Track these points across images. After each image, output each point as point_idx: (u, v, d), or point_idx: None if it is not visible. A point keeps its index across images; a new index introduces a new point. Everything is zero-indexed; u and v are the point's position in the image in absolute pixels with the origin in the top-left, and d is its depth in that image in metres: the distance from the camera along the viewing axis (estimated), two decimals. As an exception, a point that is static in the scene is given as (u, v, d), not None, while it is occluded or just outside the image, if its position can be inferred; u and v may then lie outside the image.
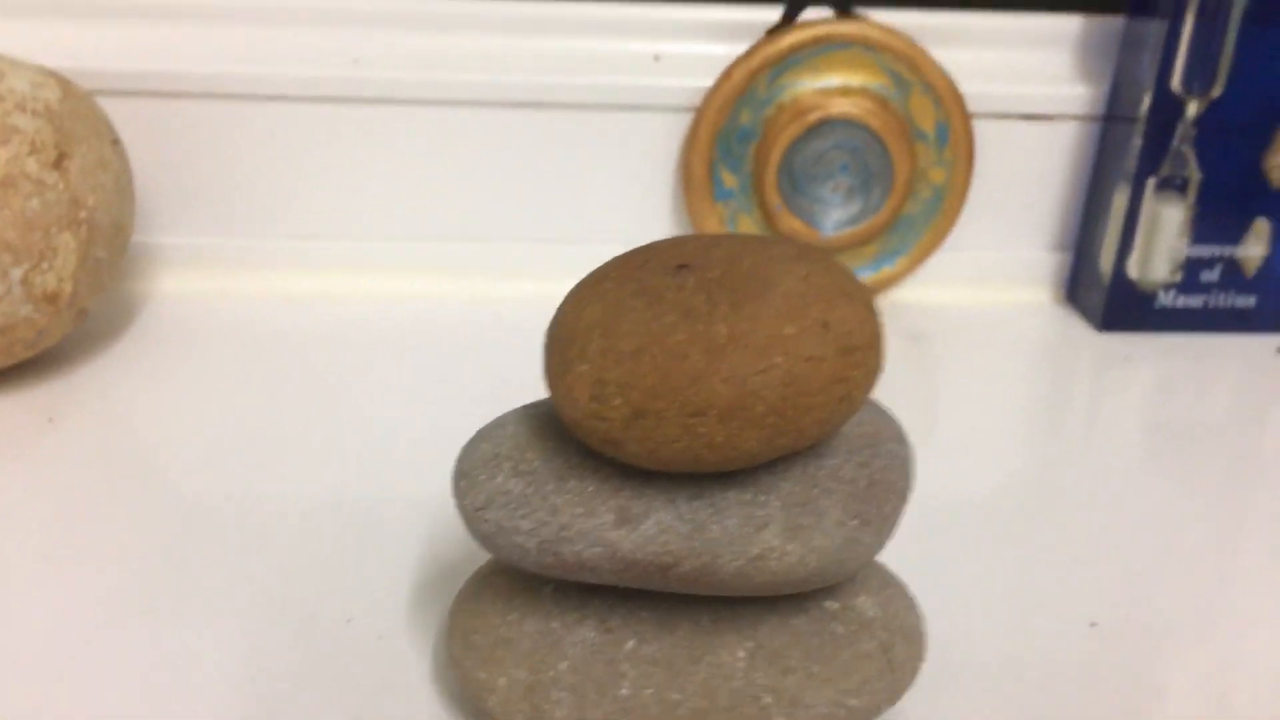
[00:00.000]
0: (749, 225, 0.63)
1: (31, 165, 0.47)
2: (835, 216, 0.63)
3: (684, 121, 0.62)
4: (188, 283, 0.62)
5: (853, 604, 0.33)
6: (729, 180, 0.62)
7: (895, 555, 0.41)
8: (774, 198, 0.62)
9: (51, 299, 0.49)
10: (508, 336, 0.59)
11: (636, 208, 0.64)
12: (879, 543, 0.31)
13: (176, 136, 0.61)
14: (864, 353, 0.29)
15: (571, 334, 0.29)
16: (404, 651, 0.37)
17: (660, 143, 0.62)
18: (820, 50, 0.60)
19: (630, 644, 0.31)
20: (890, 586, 0.34)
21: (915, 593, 0.39)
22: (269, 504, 0.44)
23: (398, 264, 0.64)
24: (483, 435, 0.33)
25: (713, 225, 0.63)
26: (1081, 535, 0.45)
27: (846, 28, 0.59)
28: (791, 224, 0.62)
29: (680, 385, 0.28)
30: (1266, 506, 0.47)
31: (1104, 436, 0.52)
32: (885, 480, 0.31)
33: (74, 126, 0.49)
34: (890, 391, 0.55)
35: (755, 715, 0.31)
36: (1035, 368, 0.59)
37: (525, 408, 0.34)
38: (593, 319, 0.29)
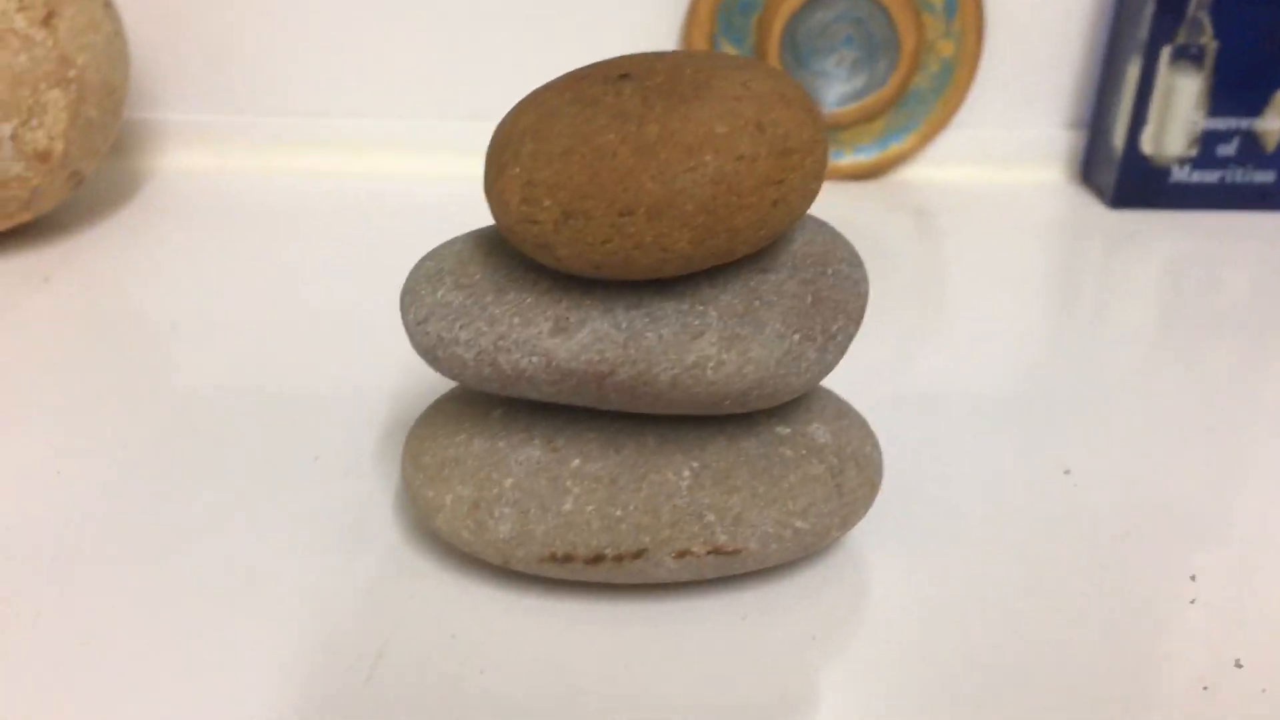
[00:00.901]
0: (752, 100, 0.62)
1: (19, 21, 0.47)
2: (840, 90, 0.61)
3: (686, -7, 0.61)
4: (189, 158, 0.63)
5: (805, 429, 0.33)
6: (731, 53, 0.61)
7: (887, 415, 0.41)
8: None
9: (43, 157, 0.49)
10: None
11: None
12: (824, 360, 0.30)
13: (179, 12, 0.60)
14: (800, 155, 0.28)
15: (505, 140, 0.29)
16: (369, 484, 0.37)
17: (661, 16, 0.61)
18: (823, -85, 0.58)
19: (575, 462, 0.31)
20: (846, 416, 0.34)
21: (904, 446, 0.39)
22: (256, 363, 0.45)
23: (400, 142, 0.63)
24: (430, 254, 0.32)
25: (715, 99, 0.62)
26: (1079, 407, 0.44)
27: (850, -109, 0.58)
28: (795, 98, 0.61)
29: (609, 184, 0.27)
30: (1273, 386, 0.46)
31: (1111, 314, 0.51)
32: (832, 298, 0.31)
33: (64, -13, 0.49)
34: (896, 269, 0.54)
35: (698, 532, 0.31)
36: (1041, 245, 0.58)
37: (477, 230, 0.33)
38: (526, 125, 0.29)
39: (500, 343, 0.29)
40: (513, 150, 0.29)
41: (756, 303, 0.30)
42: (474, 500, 0.31)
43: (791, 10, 0.59)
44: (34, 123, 0.48)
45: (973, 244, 0.58)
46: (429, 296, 0.31)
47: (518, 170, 0.28)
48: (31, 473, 0.37)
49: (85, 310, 0.48)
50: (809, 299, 0.30)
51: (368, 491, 0.37)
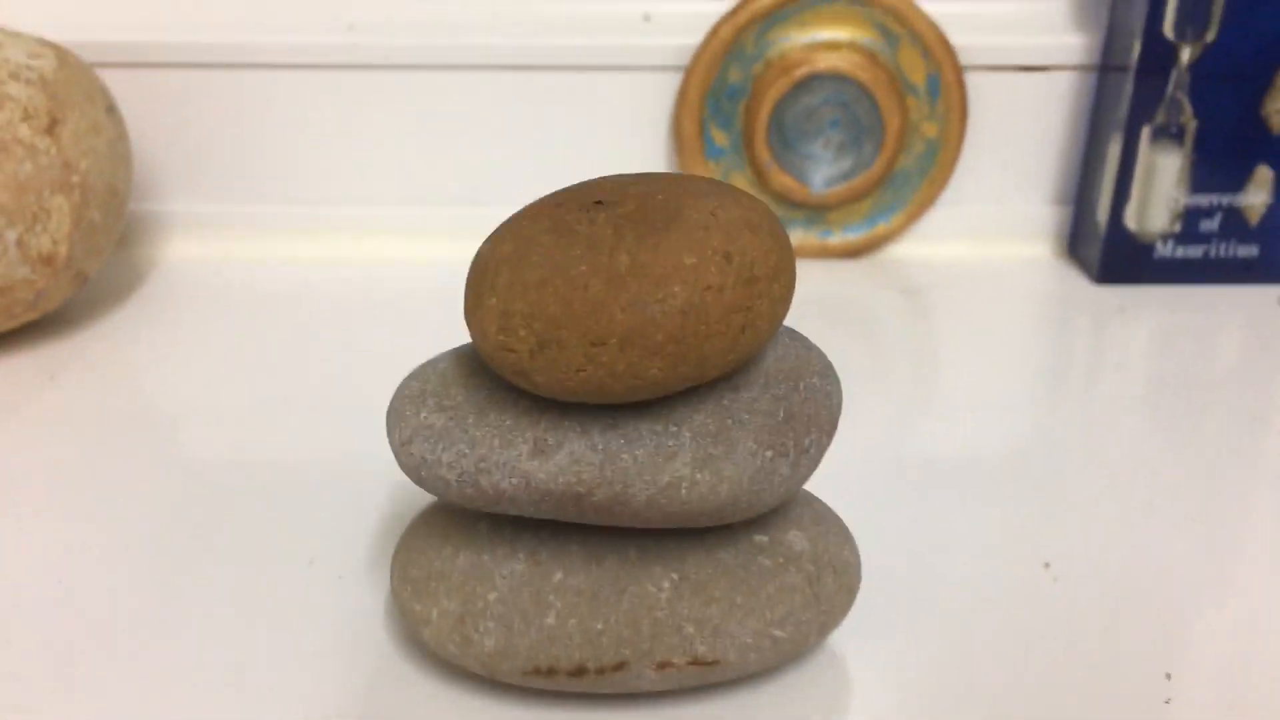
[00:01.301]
0: (741, 183, 0.63)
1: (24, 131, 0.49)
2: (827, 172, 0.63)
3: (674, 81, 0.62)
4: (190, 249, 0.64)
5: (782, 538, 0.34)
6: (720, 138, 0.63)
7: (870, 501, 0.42)
8: (765, 154, 0.62)
9: (47, 260, 0.50)
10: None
11: (629, 168, 0.64)
12: (797, 474, 0.31)
13: (177, 106, 0.62)
14: (767, 283, 0.29)
15: (484, 269, 0.30)
16: (361, 591, 0.38)
17: (651, 102, 0.63)
18: (807, 5, 0.60)
19: (558, 576, 0.32)
20: (825, 522, 0.35)
21: (885, 539, 0.40)
22: (258, 455, 0.46)
23: (395, 228, 0.65)
24: (414, 374, 0.33)
25: (705, 183, 0.63)
26: (1067, 487, 0.44)
27: (832, -19, 0.59)
28: (783, 181, 0.62)
29: (581, 314, 0.28)
30: (1266, 461, 0.46)
31: (1099, 390, 0.52)
32: (804, 413, 0.31)
33: (68, 94, 0.51)
34: (886, 347, 0.55)
35: (678, 644, 0.32)
36: (1029, 321, 0.59)
37: (459, 348, 0.34)
38: (504, 254, 0.30)
39: (481, 464, 0.30)
40: (490, 280, 0.30)
41: (729, 421, 0.30)
42: (459, 615, 0.32)
43: (778, 96, 0.60)
44: (38, 228, 0.49)
45: (961, 320, 0.59)
46: (413, 418, 0.32)
47: (494, 300, 0.29)
48: (32, 571, 0.38)
49: (90, 406, 0.49)
50: (781, 415, 0.31)
51: (361, 597, 0.38)
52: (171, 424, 0.48)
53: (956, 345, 0.56)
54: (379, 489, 0.43)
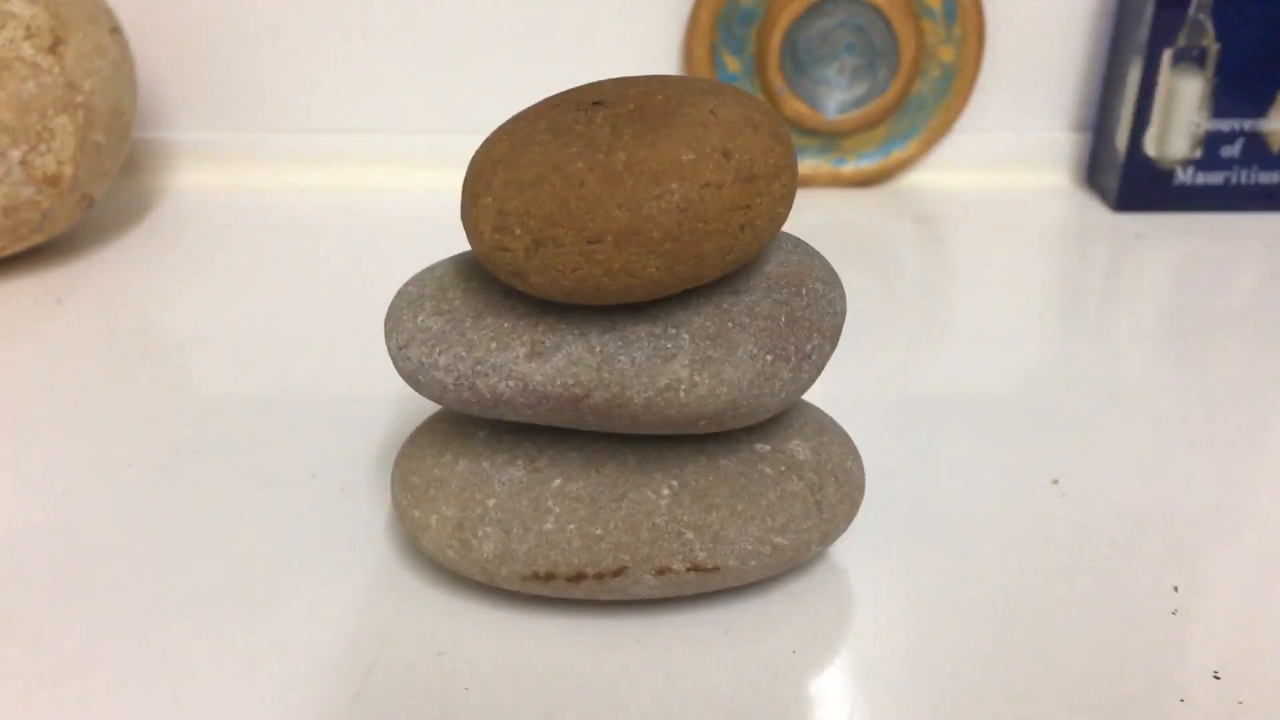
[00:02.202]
0: (753, 109, 0.62)
1: (27, 49, 0.48)
2: (841, 98, 0.62)
3: (685, 5, 0.61)
4: (197, 176, 0.64)
5: (784, 447, 0.33)
6: (732, 64, 0.62)
7: (880, 424, 0.42)
8: (777, 80, 0.61)
9: (52, 181, 0.50)
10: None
11: (640, 94, 0.63)
12: (799, 380, 0.31)
13: (184, 32, 0.62)
14: (766, 181, 0.29)
15: (479, 169, 0.30)
16: (363, 503, 0.38)
17: (662, 27, 0.62)
18: (820, -75, 0.59)
19: (556, 482, 0.32)
20: (828, 432, 0.35)
21: (892, 459, 0.40)
22: (263, 378, 0.45)
23: (402, 155, 0.64)
24: (412, 279, 0.33)
25: (716, 109, 0.62)
26: (1080, 413, 0.44)
27: (847, -100, 0.58)
28: (796, 107, 0.61)
29: (577, 212, 0.28)
30: (1273, 392, 0.46)
31: (1115, 319, 0.51)
32: (806, 318, 0.31)
33: (70, 13, 0.51)
34: (900, 277, 0.55)
35: (677, 550, 0.31)
36: (1046, 249, 0.58)
37: (458, 254, 0.34)
38: (500, 154, 0.29)
39: (478, 367, 0.30)
40: (485, 179, 0.29)
41: (729, 324, 0.30)
42: (458, 520, 0.32)
43: (791, 19, 0.59)
44: (42, 148, 0.49)
45: (977, 249, 0.58)
46: (409, 322, 0.31)
47: (489, 199, 0.29)
48: (37, 491, 0.38)
49: (95, 330, 0.49)
50: (782, 319, 0.31)
51: (362, 509, 0.38)
52: (177, 348, 0.48)
53: (971, 274, 0.55)
54: (383, 411, 0.43)
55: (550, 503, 0.32)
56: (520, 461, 0.32)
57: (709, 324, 0.30)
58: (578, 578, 0.32)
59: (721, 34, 0.61)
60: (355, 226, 0.59)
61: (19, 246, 0.52)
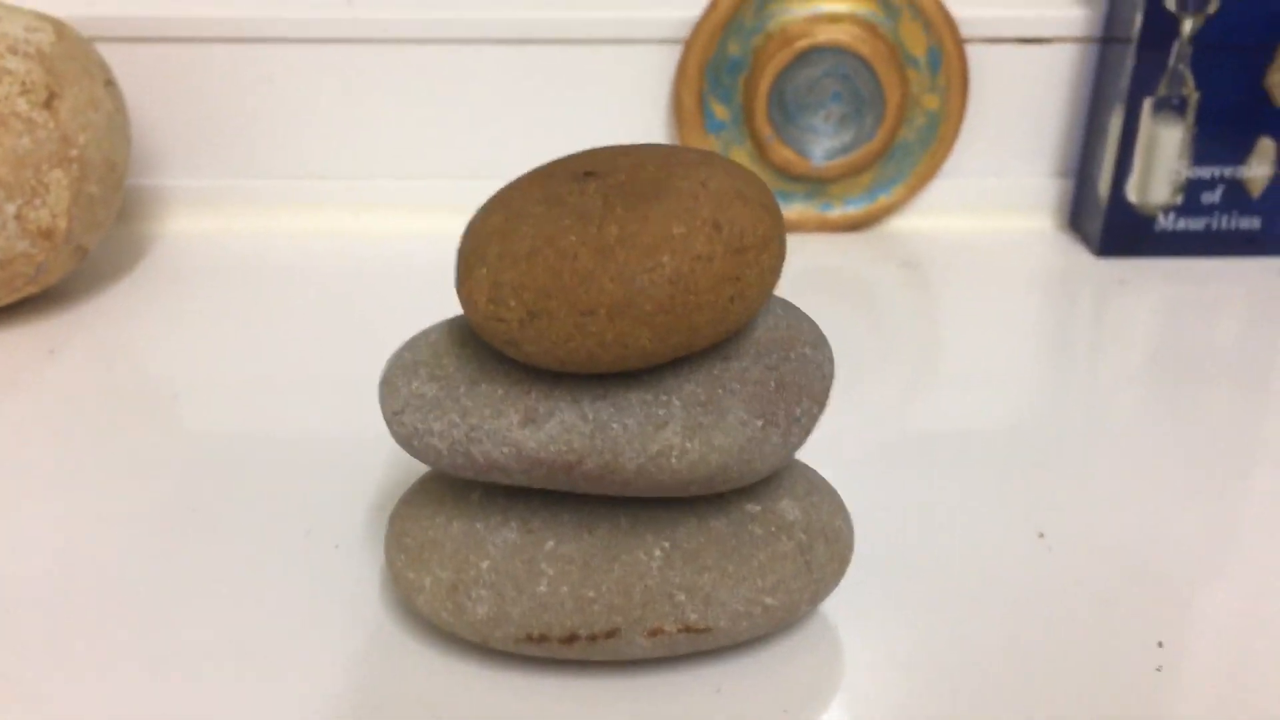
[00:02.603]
0: (741, 157, 0.63)
1: (22, 105, 0.49)
2: (828, 145, 0.62)
3: (674, 54, 0.62)
4: (191, 223, 0.64)
5: (774, 507, 0.34)
6: (720, 112, 0.62)
7: (867, 472, 0.42)
8: (765, 128, 0.62)
9: (47, 234, 0.51)
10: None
11: (628, 142, 0.64)
12: (788, 444, 0.31)
13: (178, 81, 0.62)
14: (756, 253, 0.29)
15: (475, 241, 0.30)
16: (357, 560, 0.38)
17: (651, 76, 0.62)
18: (806, -24, 0.59)
19: (550, 544, 0.32)
20: (817, 492, 0.35)
21: (880, 510, 0.40)
22: (257, 428, 0.46)
23: (394, 202, 0.65)
24: (407, 344, 0.34)
25: (704, 157, 0.63)
26: (1065, 460, 0.44)
27: (832, -47, 0.59)
28: (784, 154, 0.62)
29: (571, 285, 0.28)
30: (1266, 435, 0.46)
31: (1099, 364, 0.52)
32: (795, 382, 0.32)
33: (66, 68, 0.51)
34: (886, 320, 0.55)
35: (669, 611, 0.32)
36: (1030, 294, 0.59)
37: (451, 319, 0.34)
38: (494, 225, 0.30)
39: (472, 434, 0.30)
40: (480, 252, 0.30)
41: (720, 391, 0.31)
42: (452, 583, 0.32)
43: (778, 68, 0.60)
44: (37, 202, 0.50)
45: (962, 293, 0.59)
46: (404, 388, 0.32)
47: (484, 271, 0.29)
48: (30, 546, 0.38)
49: (90, 380, 0.49)
50: (772, 384, 0.31)
51: (356, 566, 0.38)
52: (171, 398, 0.48)
53: (957, 318, 0.56)
54: (376, 461, 0.43)
55: (544, 565, 0.32)
56: (514, 523, 0.33)
57: (700, 390, 0.31)
58: (571, 639, 0.32)
59: (710, 83, 0.62)
60: (348, 271, 0.60)
61: (13, 298, 0.52)
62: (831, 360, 0.33)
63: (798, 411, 0.31)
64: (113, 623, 0.35)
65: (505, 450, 0.30)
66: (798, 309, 0.34)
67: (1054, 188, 0.65)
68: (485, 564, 0.32)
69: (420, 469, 0.43)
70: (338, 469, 0.43)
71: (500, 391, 0.31)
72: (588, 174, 0.31)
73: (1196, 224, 0.61)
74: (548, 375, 0.31)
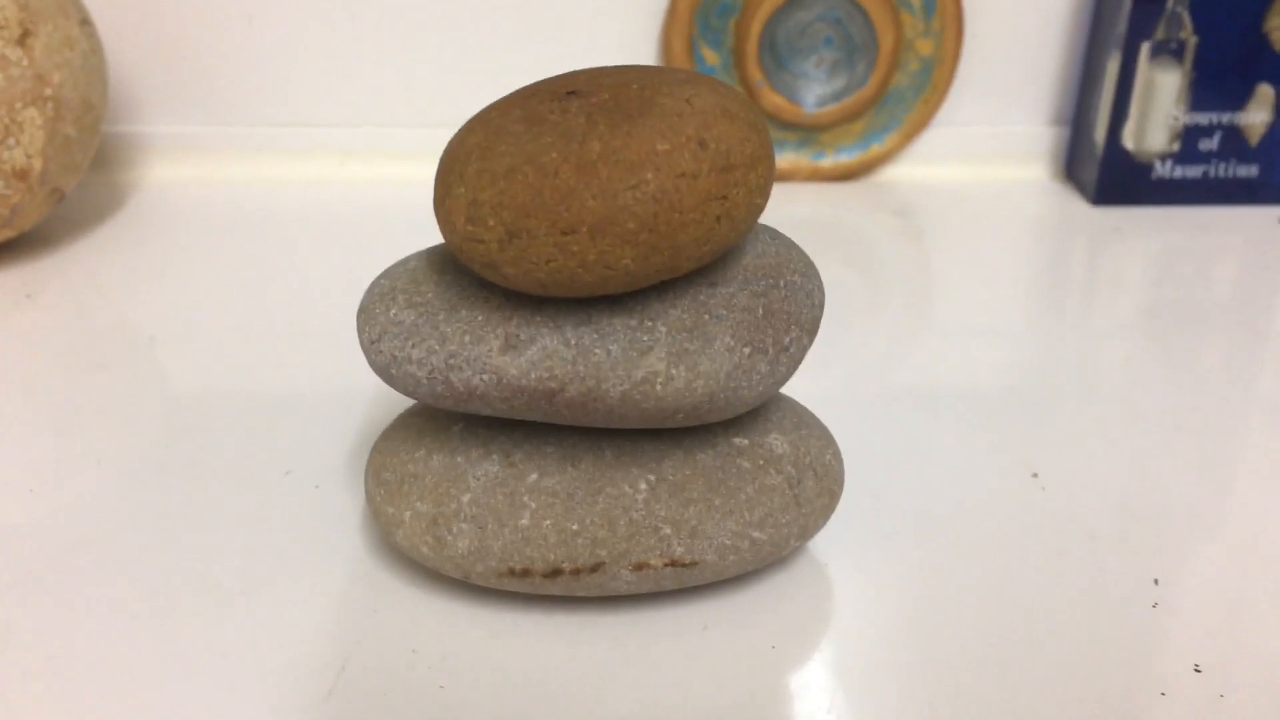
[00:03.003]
0: (732, 102, 0.62)
1: (-6, 42, 0.48)
2: (820, 92, 0.61)
3: (664, -3, 0.61)
4: (171, 170, 0.63)
5: (762, 440, 0.33)
6: (710, 57, 0.61)
7: (860, 417, 0.41)
8: (756, 73, 0.60)
9: (21, 175, 0.49)
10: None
11: (618, 87, 0.63)
12: (776, 373, 0.31)
13: (158, 25, 0.61)
14: (743, 171, 0.28)
15: (453, 159, 0.29)
16: (337, 499, 0.37)
17: (639, 19, 0.61)
18: (799, -83, 0.58)
19: (532, 477, 0.32)
20: (806, 426, 0.34)
21: (872, 453, 0.39)
22: (237, 373, 0.45)
23: (378, 149, 0.64)
24: (385, 272, 0.33)
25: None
26: (1059, 406, 0.44)
27: (825, -108, 0.58)
28: (775, 100, 0.61)
29: (551, 202, 0.27)
30: (1260, 381, 0.46)
31: (1094, 312, 0.51)
32: (784, 310, 0.31)
33: (40, 5, 0.50)
34: (879, 271, 0.54)
35: (654, 545, 0.31)
36: (1025, 243, 0.58)
37: (432, 247, 0.34)
38: (473, 144, 0.29)
39: (451, 360, 0.30)
40: (458, 170, 0.29)
41: (706, 317, 0.30)
42: (432, 516, 0.32)
43: (769, 12, 0.59)
44: (11, 141, 0.48)
45: (956, 242, 0.58)
46: (382, 315, 0.31)
47: (463, 190, 0.28)
48: (4, 489, 0.38)
49: (67, 325, 0.48)
50: (760, 312, 0.30)
51: (337, 505, 0.37)
52: (150, 343, 0.47)
53: (950, 268, 0.55)
54: (358, 402, 0.42)
55: (526, 498, 0.31)
56: (495, 457, 0.32)
57: (685, 316, 0.30)
58: (554, 574, 0.31)
59: (700, 26, 0.60)
60: (330, 220, 0.59)
61: (-13, 242, 0.51)
62: (822, 289, 0.32)
63: (786, 340, 0.31)
64: (87, 564, 0.35)
65: (485, 377, 0.29)
66: (786, 237, 0.33)
67: (1049, 136, 0.64)
68: (466, 497, 0.32)
69: (401, 408, 0.42)
70: (319, 413, 0.42)
71: (480, 317, 0.30)
72: (570, 93, 0.30)
73: (1194, 171, 0.60)
74: (529, 301, 0.30)
